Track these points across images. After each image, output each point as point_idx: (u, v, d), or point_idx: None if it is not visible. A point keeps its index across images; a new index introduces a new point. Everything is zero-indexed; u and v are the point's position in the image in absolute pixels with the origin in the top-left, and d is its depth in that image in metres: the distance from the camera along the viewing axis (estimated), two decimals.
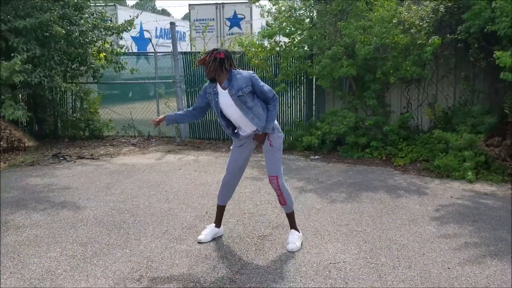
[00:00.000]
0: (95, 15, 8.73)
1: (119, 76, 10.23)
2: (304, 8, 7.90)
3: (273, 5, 7.79)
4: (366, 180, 6.25)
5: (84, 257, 3.90)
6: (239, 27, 18.01)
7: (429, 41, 7.01)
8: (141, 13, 11.63)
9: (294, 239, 4.04)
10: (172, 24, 9.03)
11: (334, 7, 7.42)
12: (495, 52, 5.37)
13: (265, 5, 8.32)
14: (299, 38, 8.01)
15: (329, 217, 4.81)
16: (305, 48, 7.94)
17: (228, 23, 18.15)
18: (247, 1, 18.18)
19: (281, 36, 8.16)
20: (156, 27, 20.16)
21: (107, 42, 9.09)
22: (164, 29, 20.40)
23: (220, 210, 4.32)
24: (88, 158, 7.83)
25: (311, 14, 7.92)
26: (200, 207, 5.14)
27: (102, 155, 8.05)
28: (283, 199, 4.03)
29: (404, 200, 5.34)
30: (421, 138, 7.46)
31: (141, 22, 18.16)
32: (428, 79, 7.85)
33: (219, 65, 3.79)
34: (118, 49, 9.01)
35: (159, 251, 3.99)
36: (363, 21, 7.17)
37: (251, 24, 17.99)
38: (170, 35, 20.55)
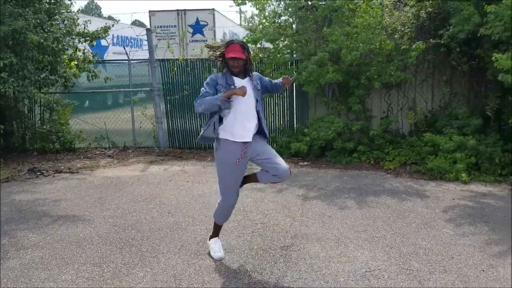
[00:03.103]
0: (66, 22, 8.30)
1: (90, 85, 9.78)
2: (288, 14, 7.84)
3: (260, 10, 7.67)
4: (363, 185, 6.26)
5: (103, 278, 3.62)
6: (202, 34, 17.78)
7: (413, 46, 7.17)
8: (117, 22, 11.27)
9: None
10: (148, 30, 8.75)
11: (319, 13, 7.43)
12: (493, 55, 5.51)
13: (246, 11, 8.16)
14: (282, 44, 7.96)
15: (344, 224, 4.75)
16: (288, 55, 7.89)
17: (191, 30, 17.87)
18: (209, 8, 18.19)
19: (263, 42, 8.06)
20: (113, 35, 19.56)
21: (79, 50, 8.67)
22: (121, 36, 19.86)
23: (220, 227, 4.12)
24: (66, 172, 7.39)
25: (294, 21, 7.87)
26: (207, 220, 4.93)
27: (80, 169, 7.63)
28: None
29: (410, 204, 5.38)
30: (407, 142, 7.59)
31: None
32: (408, 83, 8.02)
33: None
34: (91, 57, 8.61)
35: (182, 268, 3.78)
36: (349, 28, 7.22)
37: (214, 31, 17.84)
38: (126, 43, 19.93)
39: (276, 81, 3.99)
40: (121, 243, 4.36)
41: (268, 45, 8.12)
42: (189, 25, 17.92)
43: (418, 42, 7.13)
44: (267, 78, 3.99)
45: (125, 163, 8.03)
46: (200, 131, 3.87)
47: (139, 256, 4.05)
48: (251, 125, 3.73)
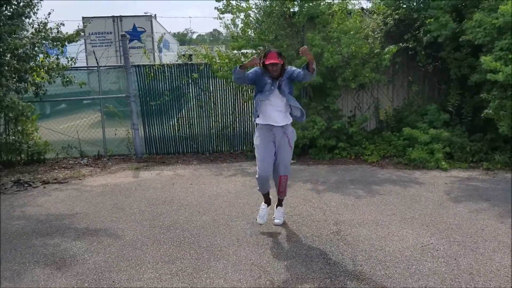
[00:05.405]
0: (36, 26, 7.95)
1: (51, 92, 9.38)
2: (269, 21, 8.18)
3: (245, 17, 7.96)
4: (360, 177, 6.80)
5: (187, 273, 3.74)
6: (140, 40, 17.55)
7: (386, 49, 7.89)
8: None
9: (281, 215, 4.87)
10: (123, 36, 8.64)
11: (301, 19, 7.90)
12: (481, 57, 6.32)
13: (224, 17, 8.41)
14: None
15: (370, 210, 5.22)
16: None
17: (128, 36, 17.48)
18: (146, 14, 17.99)
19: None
20: None
21: (49, 56, 8.33)
22: None
23: (265, 195, 4.80)
24: (54, 183, 7.12)
25: (275, 27, 8.22)
26: (242, 216, 5.15)
27: (67, 179, 7.37)
28: (285, 192, 4.75)
29: (413, 190, 6.00)
30: (381, 137, 8.30)
31: None
32: (374, 84, 8.74)
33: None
34: (65, 63, 8.32)
35: (256, 257, 3.99)
36: (330, 33, 7.77)
37: (152, 38, 17.67)
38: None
39: (298, 69, 4.44)
40: (176, 241, 4.45)
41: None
42: (126, 32, 17.56)
43: (390, 46, 7.86)
44: (296, 70, 4.44)
45: (110, 171, 7.88)
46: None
47: (204, 251, 4.19)
48: (277, 115, 4.45)
